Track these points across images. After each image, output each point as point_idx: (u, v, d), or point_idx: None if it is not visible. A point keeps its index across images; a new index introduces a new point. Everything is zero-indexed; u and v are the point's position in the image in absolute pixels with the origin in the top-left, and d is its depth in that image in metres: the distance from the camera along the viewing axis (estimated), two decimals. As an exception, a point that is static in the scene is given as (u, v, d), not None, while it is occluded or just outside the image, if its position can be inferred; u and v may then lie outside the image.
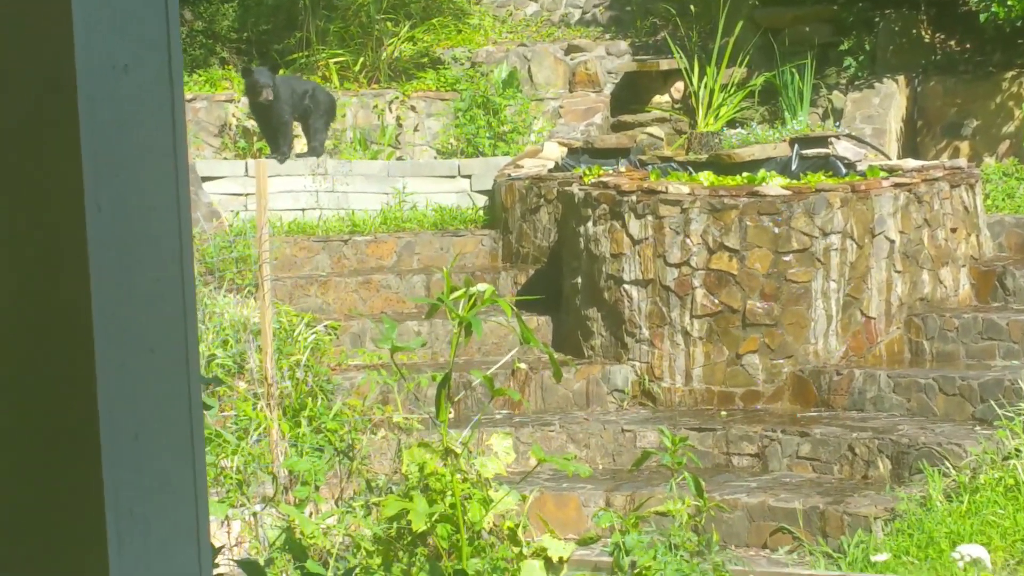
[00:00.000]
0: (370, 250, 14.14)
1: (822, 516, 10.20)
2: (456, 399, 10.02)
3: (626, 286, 12.13)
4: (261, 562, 7.67)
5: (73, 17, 1.61)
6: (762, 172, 13.02)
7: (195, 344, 1.79)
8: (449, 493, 8.32)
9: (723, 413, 11.72)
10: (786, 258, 11.84)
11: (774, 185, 12.29)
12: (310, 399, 10.63)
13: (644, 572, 7.79)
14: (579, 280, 12.57)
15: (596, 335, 12.37)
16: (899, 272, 12.08)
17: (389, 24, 18.00)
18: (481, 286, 8.95)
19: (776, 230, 11.84)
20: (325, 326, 11.98)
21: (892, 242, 12.05)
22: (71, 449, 1.61)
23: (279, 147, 14.97)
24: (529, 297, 11.18)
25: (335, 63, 17.33)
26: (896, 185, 12.23)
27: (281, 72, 16.88)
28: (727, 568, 8.10)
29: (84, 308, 1.60)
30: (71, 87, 1.63)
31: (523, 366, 11.12)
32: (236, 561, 5.89)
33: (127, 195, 1.67)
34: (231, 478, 8.12)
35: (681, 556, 8.12)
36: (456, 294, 8.78)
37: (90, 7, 1.63)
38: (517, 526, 8.43)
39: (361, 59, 17.36)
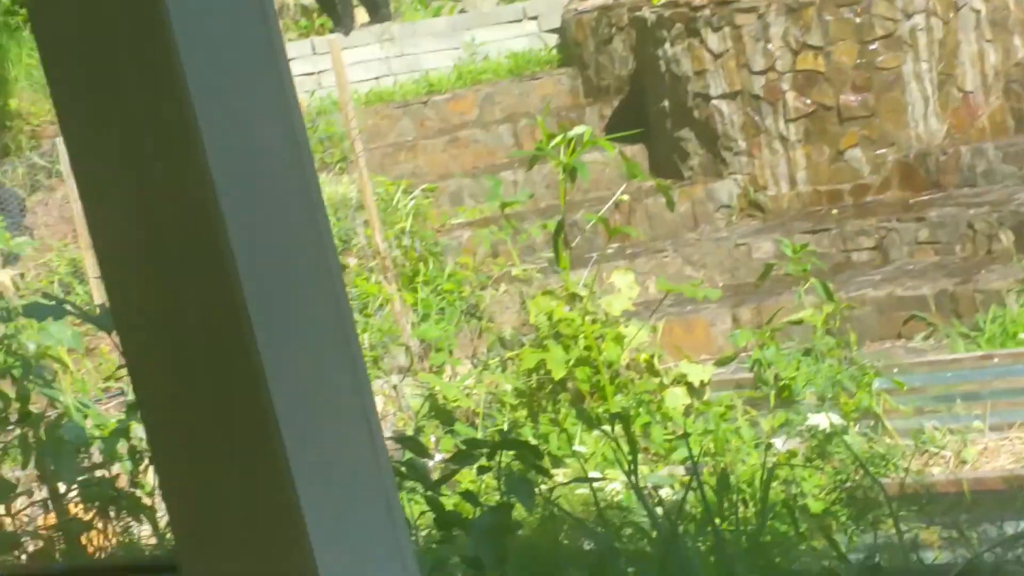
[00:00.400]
0: (451, 107, 14.03)
1: (952, 297, 10.07)
2: (575, 243, 9.97)
3: (715, 101, 11.97)
4: (410, 432, 7.73)
5: None
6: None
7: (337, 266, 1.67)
8: (581, 336, 8.34)
9: (834, 211, 11.58)
10: (872, 47, 11.61)
11: (847, -24, 12.01)
12: (421, 264, 10.64)
13: (789, 382, 7.77)
14: (666, 103, 12.42)
15: (692, 155, 12.25)
16: (990, 41, 11.81)
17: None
18: (579, 128, 8.90)
19: (858, 20, 11.60)
20: (422, 190, 11.95)
21: (978, 12, 11.77)
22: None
23: (342, 19, 14.84)
24: (624, 133, 11.03)
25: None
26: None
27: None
28: (870, 365, 8.05)
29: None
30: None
31: (625, 198, 11.00)
32: (391, 438, 5.92)
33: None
34: (365, 354, 8.14)
35: (821, 361, 8.08)
36: (555, 140, 8.74)
37: None
38: (652, 357, 8.43)
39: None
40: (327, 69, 13.91)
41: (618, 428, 6.66)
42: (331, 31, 14.93)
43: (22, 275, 11.75)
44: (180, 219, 1.40)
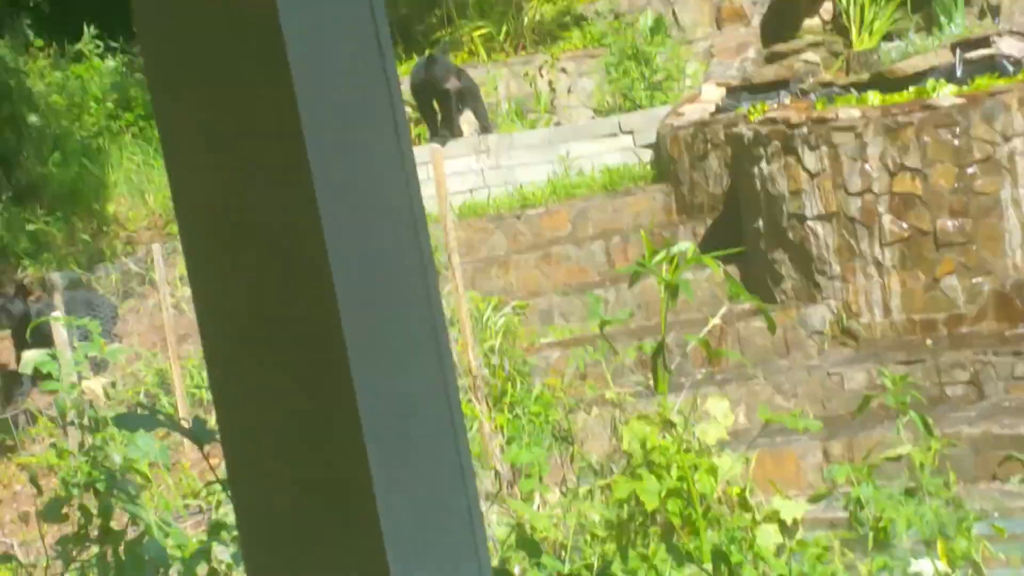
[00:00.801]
0: (544, 222, 14.03)
1: (1052, 437, 9.87)
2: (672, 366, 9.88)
3: (810, 223, 11.88)
4: (495, 563, 7.63)
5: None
6: (931, 82, 12.64)
7: (448, 350, 1.64)
8: (675, 466, 8.22)
9: (928, 342, 11.42)
10: (970, 170, 11.50)
11: (946, 95, 11.93)
12: (509, 384, 10.59)
13: (886, 523, 7.61)
14: (760, 223, 12.35)
15: (786, 278, 12.15)
16: (1090, 171, 11.67)
17: (527, -12, 17.85)
18: (683, 245, 8.78)
19: (956, 142, 11.50)
20: (512, 307, 11.92)
21: (1080, 138, 11.65)
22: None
23: (447, 129, 14.95)
24: (723, 252, 10.92)
25: (479, 35, 17.25)
26: (1077, 76, 11.82)
27: (428, 52, 16.82)
28: (970, 507, 7.87)
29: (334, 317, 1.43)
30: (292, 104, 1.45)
31: (717, 320, 10.90)
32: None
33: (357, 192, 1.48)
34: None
35: (923, 501, 7.90)
36: (658, 257, 8.67)
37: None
38: (744, 490, 8.29)
39: (504, 27, 17.25)
40: (422, 179, 13.95)
41: (709, 565, 6.53)
42: (430, 140, 15.00)
43: (113, 384, 11.81)
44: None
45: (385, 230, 1.49)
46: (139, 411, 11.41)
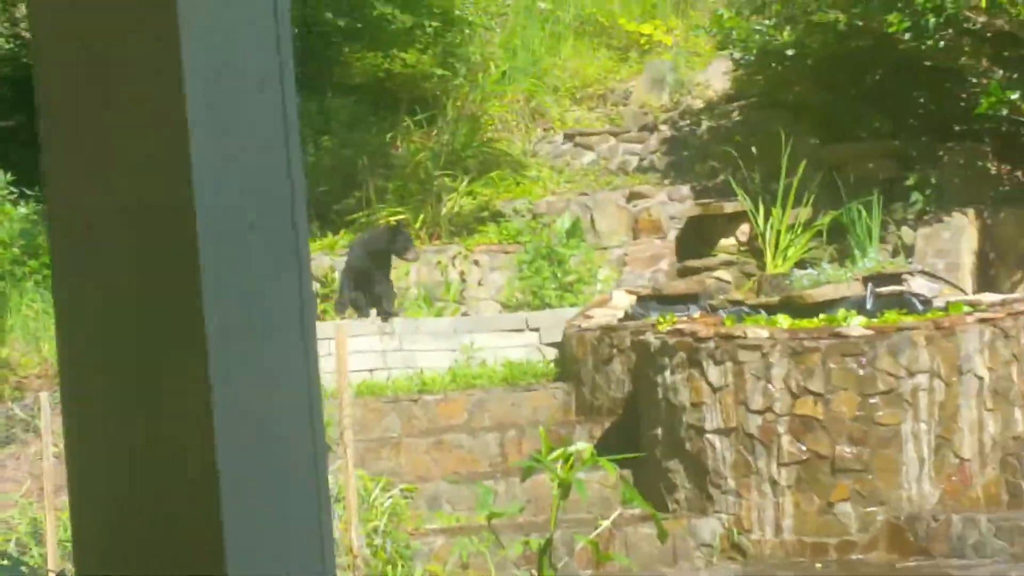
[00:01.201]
0: (441, 409, 13.85)
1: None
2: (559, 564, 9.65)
3: (708, 435, 11.78)
4: None
5: (193, 179, 1.43)
6: (842, 312, 12.68)
7: (329, 524, 1.61)
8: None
9: (818, 566, 11.29)
10: (872, 400, 11.48)
11: (855, 325, 11.95)
12: (390, 567, 10.31)
13: None
14: (659, 431, 12.23)
15: (679, 487, 12.00)
16: (990, 410, 11.69)
17: (447, 179, 17.90)
18: (581, 444, 8.65)
19: (861, 372, 11.49)
20: (400, 489, 11.67)
21: (981, 379, 11.67)
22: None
23: (385, 306, 14.78)
24: (620, 456, 10.79)
25: (395, 221, 17.19)
26: (981, 320, 11.88)
27: (388, 223, 16.72)
28: None
29: (212, 492, 1.39)
30: (193, 248, 1.43)
31: (607, 523, 10.72)
32: None
33: (254, 365, 1.49)
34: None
35: None
36: (555, 454, 8.52)
37: (211, 169, 1.45)
38: None
39: (421, 216, 17.23)
40: (323, 355, 13.77)
41: None
42: (356, 317, 14.79)
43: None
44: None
45: (280, 403, 1.47)
46: (4, 561, 10.99)
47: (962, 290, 14.59)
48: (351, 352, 13.88)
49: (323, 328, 14.17)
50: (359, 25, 18.92)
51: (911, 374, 11.53)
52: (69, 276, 1.55)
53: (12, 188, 18.96)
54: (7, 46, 19.60)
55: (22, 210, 18.84)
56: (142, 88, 1.50)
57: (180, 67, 1.49)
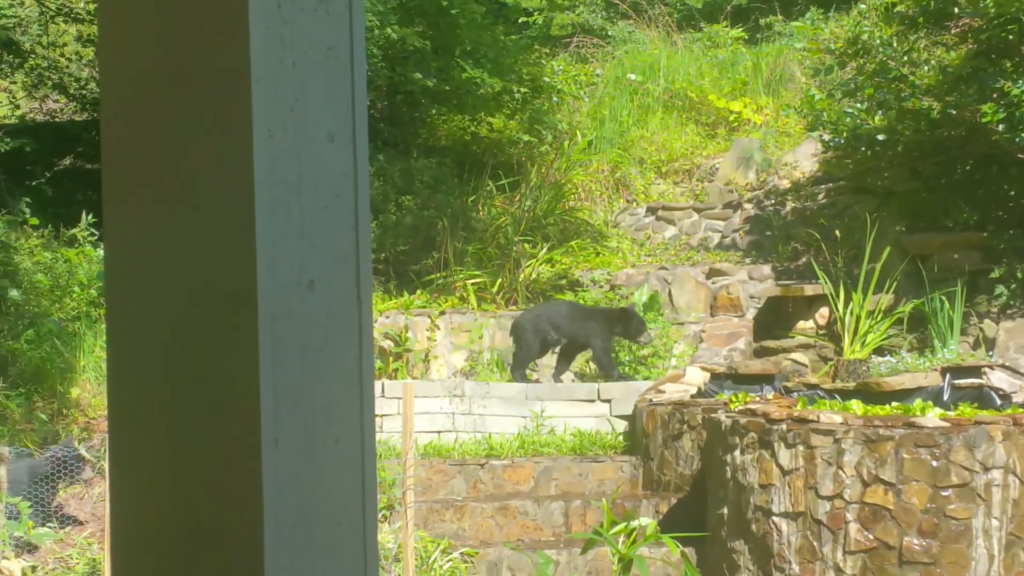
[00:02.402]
0: (507, 475, 13.76)
1: None
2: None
3: (775, 518, 11.61)
4: None
5: (256, 232, 1.38)
6: (919, 402, 12.51)
7: None
8: None
9: (880, 656, 11.06)
10: (945, 493, 11.27)
11: (931, 416, 11.77)
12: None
13: None
14: (725, 510, 12.08)
15: (743, 568, 11.83)
16: (1064, 507, 11.45)
17: (527, 246, 17.89)
18: (644, 520, 8.58)
19: (934, 463, 11.30)
20: (461, 553, 11.58)
21: (1056, 476, 11.45)
22: None
23: (612, 373, 15.10)
24: (684, 534, 10.72)
25: (473, 284, 17.19)
26: (1061, 418, 11.66)
27: (419, 293, 16.78)
28: None
29: (256, 557, 1.36)
30: (252, 303, 1.38)
31: (667, 601, 10.61)
32: None
33: (308, 428, 1.43)
34: None
35: None
36: (617, 528, 8.43)
37: (275, 221, 1.40)
38: None
39: (499, 280, 17.21)
40: (392, 414, 13.78)
41: None
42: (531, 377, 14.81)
43: (34, 568, 11.39)
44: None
45: (332, 466, 1.47)
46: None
47: (1043, 387, 14.35)
48: (420, 413, 13.86)
49: (393, 387, 14.16)
50: (447, 88, 18.99)
51: (986, 469, 11.32)
52: (122, 329, 1.51)
53: (94, 231, 19.16)
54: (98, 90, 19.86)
55: (101, 252, 19.02)
56: (204, 138, 1.47)
57: (250, 115, 1.45)
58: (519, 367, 15.24)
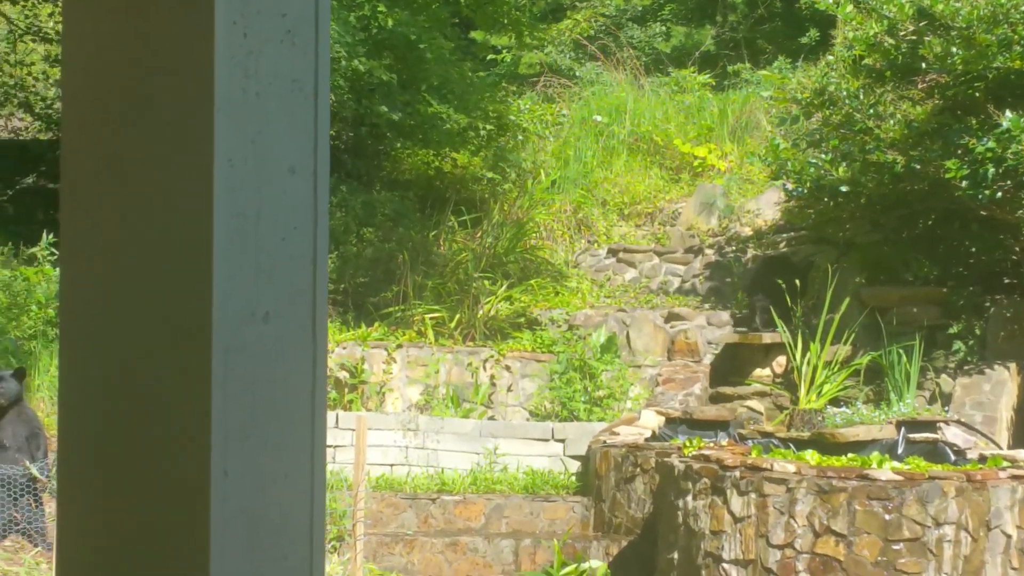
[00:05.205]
0: (458, 511, 13.73)
1: None
2: None
3: (725, 565, 11.60)
4: None
5: (214, 263, 1.37)
6: (875, 454, 12.52)
7: None
8: None
9: None
10: (896, 547, 11.28)
11: (885, 469, 11.79)
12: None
13: None
14: (675, 555, 12.06)
15: (691, 615, 11.81)
16: (1015, 569, 11.47)
17: (487, 283, 17.89)
18: (595, 563, 8.58)
19: (887, 516, 11.31)
20: (409, 588, 11.54)
21: (1009, 537, 11.47)
22: None
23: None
24: (633, 576, 10.73)
25: (431, 318, 17.18)
26: (1014, 477, 11.70)
27: (376, 325, 16.75)
28: None
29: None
30: (206, 334, 1.37)
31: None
32: None
33: (257, 461, 1.42)
34: None
35: None
36: (567, 569, 8.42)
37: (232, 253, 1.39)
38: None
39: (457, 316, 17.20)
40: (345, 445, 13.73)
41: None
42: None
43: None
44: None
45: (280, 497, 1.46)
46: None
47: (997, 444, 14.40)
48: (373, 445, 13.82)
49: (347, 418, 14.12)
50: (412, 121, 19.00)
51: (938, 524, 11.34)
52: (75, 351, 1.49)
53: (54, 250, 19.09)
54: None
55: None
56: (164, 165, 1.45)
57: (212, 144, 1.44)
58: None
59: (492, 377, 16.31)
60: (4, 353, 16.34)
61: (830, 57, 18.08)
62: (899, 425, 14.12)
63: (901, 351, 15.70)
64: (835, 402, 15.63)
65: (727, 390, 16.48)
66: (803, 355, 16.08)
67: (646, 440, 14.22)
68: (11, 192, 21.26)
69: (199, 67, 1.40)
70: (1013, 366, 15.44)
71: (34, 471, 12.75)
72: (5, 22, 21.84)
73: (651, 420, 14.87)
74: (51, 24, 21.73)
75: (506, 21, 20.42)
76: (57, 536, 1.51)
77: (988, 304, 16.24)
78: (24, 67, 22.36)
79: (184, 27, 1.42)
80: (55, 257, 18.93)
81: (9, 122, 23.13)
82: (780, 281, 16.81)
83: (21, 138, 23.29)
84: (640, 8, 29.00)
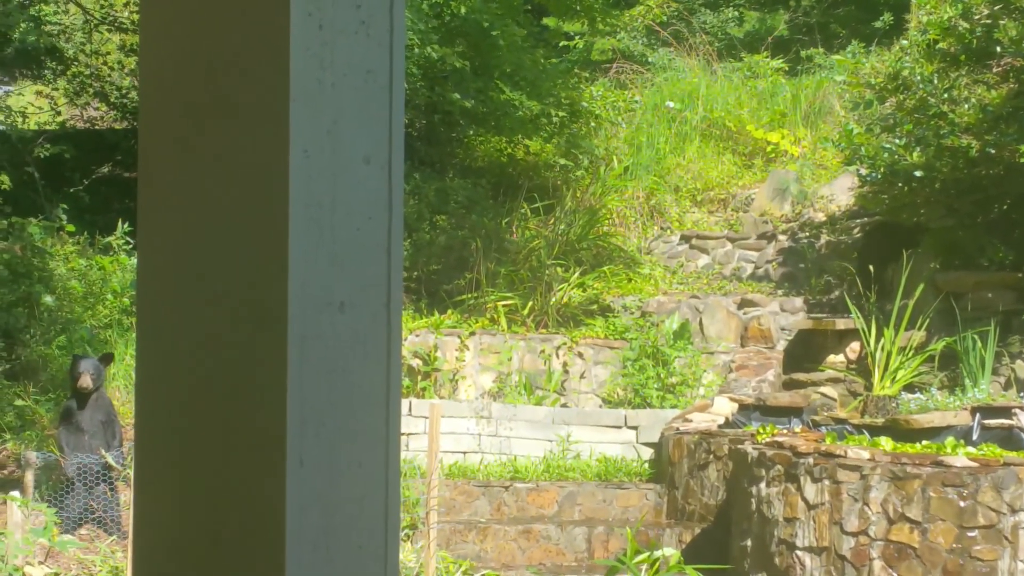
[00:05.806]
0: (531, 498, 13.75)
1: None
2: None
3: (799, 552, 11.56)
4: None
5: (289, 252, 1.38)
6: (949, 441, 12.43)
7: None
8: None
9: None
10: (971, 534, 11.20)
11: (960, 456, 11.70)
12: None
13: None
14: (749, 542, 12.03)
15: (765, 603, 11.78)
16: (1093, 557, 11.36)
17: (559, 270, 17.88)
18: (668, 550, 8.56)
19: (962, 503, 11.23)
20: (483, 575, 11.57)
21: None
22: None
23: None
24: (707, 566, 10.69)
25: (504, 306, 17.19)
26: (1091, 463, 11.58)
27: (450, 312, 16.80)
28: None
29: (278, 567, 1.37)
30: (283, 322, 1.38)
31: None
32: None
33: (333, 449, 1.43)
34: None
35: None
36: (640, 557, 8.42)
37: (308, 242, 1.40)
38: None
39: (530, 303, 17.21)
40: (418, 432, 13.77)
41: None
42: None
43: (57, 574, 11.40)
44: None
45: (354, 485, 1.47)
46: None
47: (1072, 430, 14.26)
48: (446, 433, 13.86)
49: (420, 406, 14.17)
50: (485, 109, 19.02)
51: (1014, 511, 11.26)
52: (151, 340, 1.51)
53: (129, 239, 19.23)
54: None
55: (135, 261, 19.10)
56: (240, 155, 1.46)
57: (287, 134, 1.45)
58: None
59: (565, 364, 16.31)
60: (80, 342, 16.49)
61: (904, 41, 17.95)
62: (974, 411, 14.02)
63: (976, 337, 15.57)
64: (909, 388, 15.53)
65: (800, 376, 16.41)
66: (877, 341, 15.98)
67: (719, 427, 14.19)
68: (87, 181, 21.44)
69: (275, 58, 1.41)
70: (1090, 352, 15.28)
71: (110, 459, 12.88)
72: (81, 12, 22.02)
73: (724, 407, 14.83)
74: (126, 14, 21.89)
75: (579, 7, 20.40)
76: (133, 524, 1.52)
77: (1065, 289, 16.09)
78: (100, 56, 22.54)
79: (260, 18, 1.43)
80: (130, 246, 19.08)
81: (85, 111, 23.32)
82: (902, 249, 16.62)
83: (97, 127, 23.48)
84: (712, -7, 28.87)
